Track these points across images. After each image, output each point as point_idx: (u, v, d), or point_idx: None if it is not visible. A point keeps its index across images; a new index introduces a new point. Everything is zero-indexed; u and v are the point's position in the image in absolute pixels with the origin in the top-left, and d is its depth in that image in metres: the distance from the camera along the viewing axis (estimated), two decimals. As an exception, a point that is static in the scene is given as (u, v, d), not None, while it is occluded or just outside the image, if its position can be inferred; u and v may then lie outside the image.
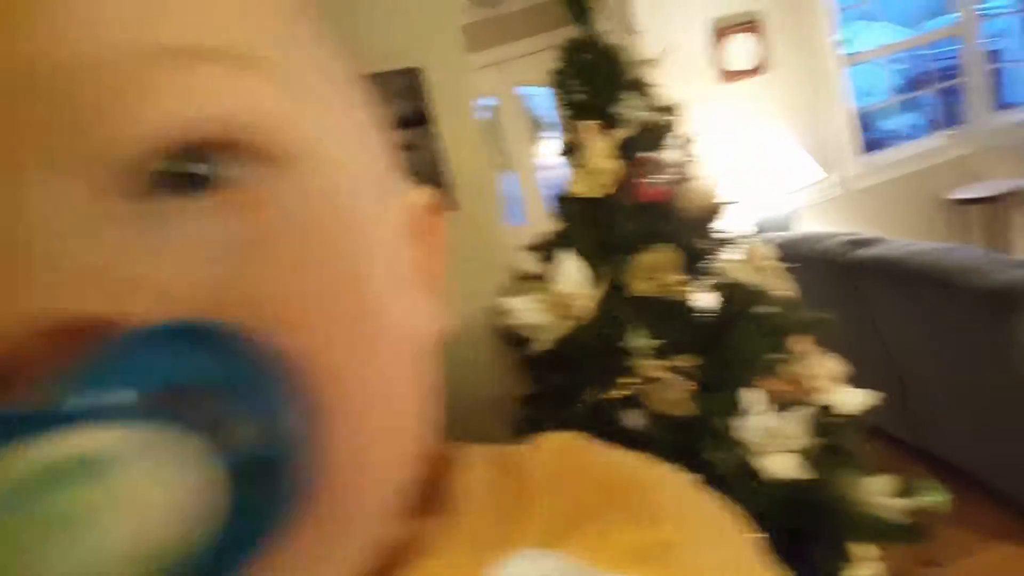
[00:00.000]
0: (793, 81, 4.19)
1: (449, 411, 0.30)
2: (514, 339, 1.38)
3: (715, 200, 1.57)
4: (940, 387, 2.76)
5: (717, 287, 1.42)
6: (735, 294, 1.39)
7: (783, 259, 3.28)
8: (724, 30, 4.00)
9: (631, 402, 1.36)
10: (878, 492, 1.32)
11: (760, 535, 0.39)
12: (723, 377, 1.35)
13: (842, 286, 2.95)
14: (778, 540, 1.37)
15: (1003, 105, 4.89)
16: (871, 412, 3.27)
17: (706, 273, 1.46)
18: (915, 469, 2.09)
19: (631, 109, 1.49)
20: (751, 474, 1.30)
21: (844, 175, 4.32)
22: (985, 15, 4.68)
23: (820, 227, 3.91)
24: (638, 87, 1.56)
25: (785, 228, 3.77)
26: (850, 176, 4.34)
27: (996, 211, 4.20)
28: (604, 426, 1.39)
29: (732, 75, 4.07)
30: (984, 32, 4.65)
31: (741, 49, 4.06)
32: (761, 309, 1.37)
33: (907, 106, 5.65)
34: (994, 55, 4.97)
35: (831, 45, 4.22)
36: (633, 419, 1.38)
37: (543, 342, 1.31)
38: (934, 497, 1.32)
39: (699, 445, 1.35)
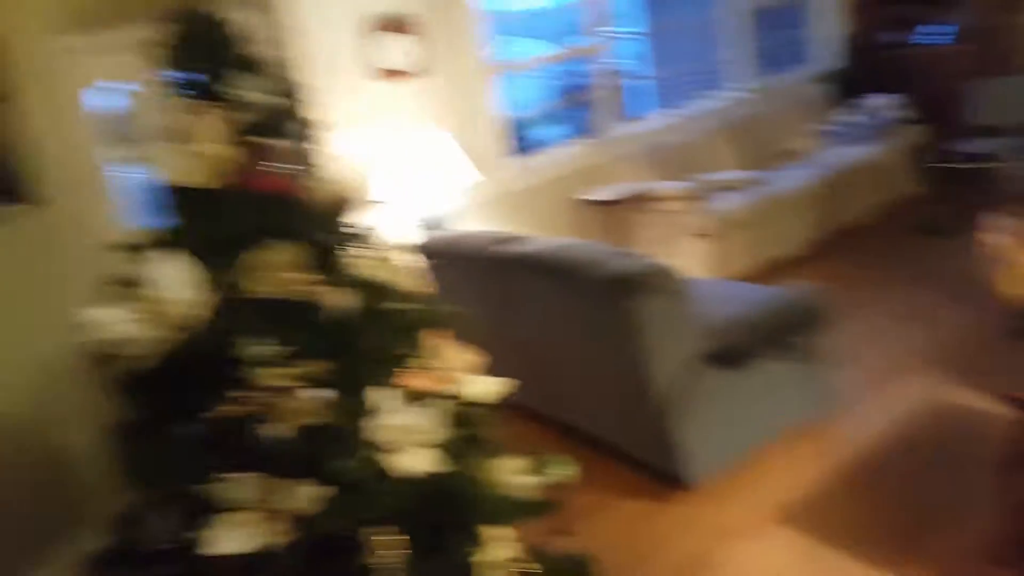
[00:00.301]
0: (450, 85, 4.34)
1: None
2: (107, 358, 1.18)
3: (348, 194, 1.50)
4: (573, 363, 3.04)
5: (348, 285, 1.35)
6: (367, 292, 1.33)
7: (439, 257, 3.41)
8: (380, 27, 4.00)
9: (258, 416, 1.25)
10: (510, 473, 1.35)
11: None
12: (356, 379, 1.29)
13: (492, 280, 3.13)
14: (419, 537, 1.35)
15: (631, 115, 5.60)
16: (515, 394, 3.51)
17: (337, 271, 1.39)
18: (553, 442, 2.26)
19: (249, 91, 1.36)
20: (387, 475, 1.25)
21: (498, 177, 4.58)
22: (615, 37, 5.29)
23: (478, 226, 4.09)
24: (259, 68, 1.43)
25: (444, 227, 3.88)
26: (503, 178, 4.62)
27: (616, 210, 4.74)
28: (231, 444, 1.26)
29: (389, 74, 4.09)
30: (615, 53, 5.25)
31: (397, 48, 4.10)
32: (394, 306, 1.33)
33: (558, 117, 6.13)
34: (622, 73, 5.64)
35: (481, 55, 4.44)
36: (262, 433, 1.26)
37: (141, 359, 1.13)
38: (563, 469, 1.39)
39: (331, 453, 1.28)
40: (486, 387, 1.40)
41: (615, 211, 4.81)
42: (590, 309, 2.73)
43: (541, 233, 3.45)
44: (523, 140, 5.16)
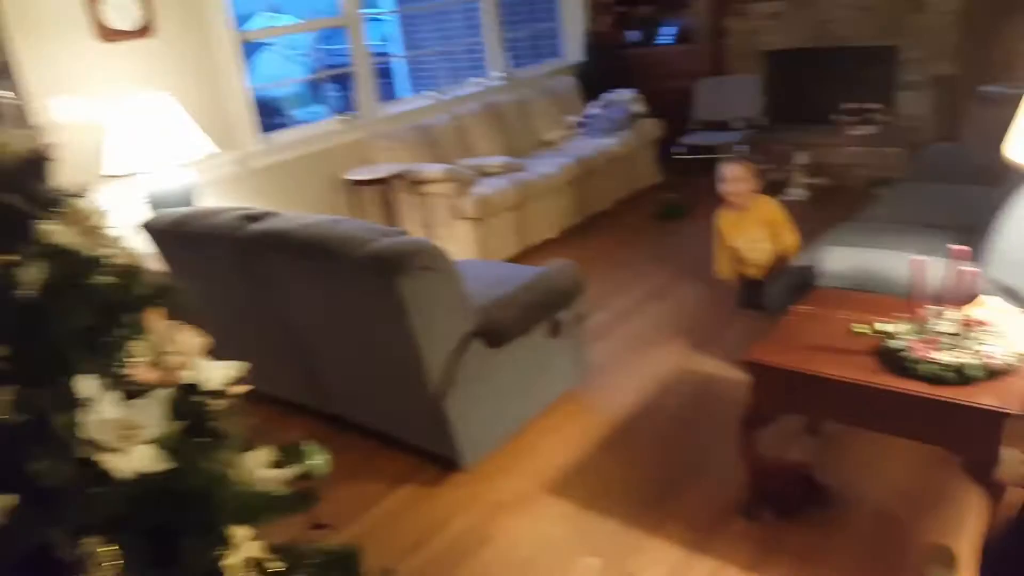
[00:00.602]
0: (184, 52, 3.92)
1: None
2: None
3: (40, 153, 1.22)
4: (339, 352, 2.85)
5: (37, 256, 1.09)
6: (59, 264, 1.08)
7: (172, 234, 3.04)
8: (98, -18, 3.50)
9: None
10: (257, 466, 1.18)
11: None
12: (50, 366, 1.04)
13: (239, 260, 2.83)
14: (148, 544, 1.13)
15: (392, 98, 5.49)
16: (276, 385, 3.29)
17: (24, 240, 1.12)
18: (321, 434, 2.10)
19: None
20: (98, 477, 1.02)
21: (244, 152, 4.25)
22: (370, 17, 5.14)
23: (222, 203, 3.74)
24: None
25: (185, 203, 3.49)
26: (250, 154, 4.29)
27: (385, 191, 4.63)
28: None
29: (112, 33, 3.59)
30: (373, 33, 5.11)
31: (121, 6, 3.61)
32: (94, 280, 1.09)
33: (317, 97, 5.86)
34: (380, 54, 5.50)
35: (221, 20, 4.07)
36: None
37: None
38: (318, 459, 1.24)
39: (27, 455, 1.02)
40: (216, 373, 1.20)
41: (381, 192, 4.67)
42: (353, 290, 2.55)
43: (301, 212, 3.20)
44: (280, 117, 4.87)
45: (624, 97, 5.86)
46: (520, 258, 4.71)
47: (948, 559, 2.01)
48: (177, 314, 1.17)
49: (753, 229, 3.52)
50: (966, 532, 2.19)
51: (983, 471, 1.92)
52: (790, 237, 3.47)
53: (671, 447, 2.81)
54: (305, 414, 3.20)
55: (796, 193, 5.39)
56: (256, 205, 3.07)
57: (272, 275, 2.80)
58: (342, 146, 4.80)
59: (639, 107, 5.86)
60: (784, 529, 2.33)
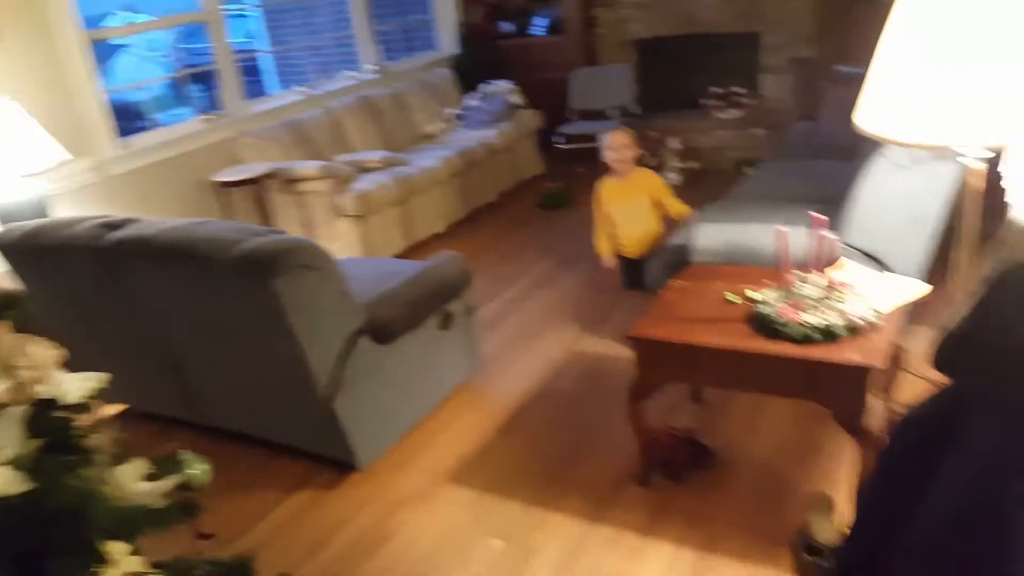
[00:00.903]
0: (28, 55, 3.65)
1: None
2: None
3: None
4: (218, 361, 2.73)
5: None
6: None
7: (31, 247, 2.83)
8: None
9: None
10: (130, 480, 1.11)
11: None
12: None
13: (101, 272, 2.66)
14: (11, 567, 1.05)
15: (262, 96, 5.30)
16: (151, 401, 3.13)
17: None
18: (207, 448, 2.01)
19: None
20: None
21: (101, 159, 4.00)
22: (233, 14, 4.92)
23: (80, 213, 3.51)
24: None
25: (40, 215, 3.25)
26: (108, 159, 4.05)
27: (258, 192, 4.47)
28: None
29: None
30: (237, 30, 4.90)
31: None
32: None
33: (178, 98, 5.60)
34: (246, 51, 5.30)
35: (71, 23, 3.81)
36: None
37: None
38: (195, 469, 1.18)
39: None
40: (78, 386, 1.12)
41: (253, 193, 4.50)
42: (227, 295, 2.43)
43: (166, 217, 3.04)
44: (143, 122, 4.60)
45: (501, 88, 5.90)
46: (407, 254, 4.67)
47: (827, 506, 2.14)
48: (27, 327, 1.09)
49: (634, 198, 3.53)
50: (842, 479, 2.34)
51: (853, 421, 2.05)
52: (678, 205, 3.51)
53: (566, 426, 2.86)
54: (187, 429, 3.06)
55: (670, 177, 5.58)
56: (118, 213, 2.89)
57: (138, 285, 2.64)
58: (208, 147, 4.59)
59: (517, 98, 5.91)
60: (675, 492, 2.42)
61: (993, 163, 2.16)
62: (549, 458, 2.69)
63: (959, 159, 1.83)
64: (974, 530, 1.27)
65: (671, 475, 2.48)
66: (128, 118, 4.62)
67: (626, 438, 2.53)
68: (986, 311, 1.22)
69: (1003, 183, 2.08)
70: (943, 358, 1.35)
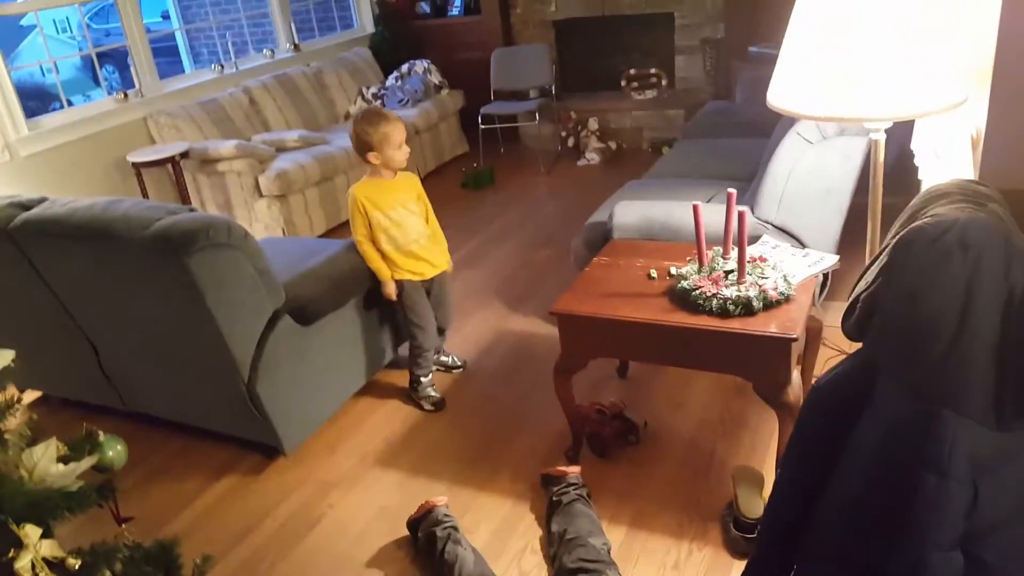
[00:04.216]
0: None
1: None
2: None
3: None
4: (137, 344, 2.63)
5: None
6: None
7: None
8: None
9: None
10: (44, 462, 1.06)
11: None
12: None
13: (11, 254, 2.52)
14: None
15: (174, 74, 5.10)
16: (70, 388, 3.00)
17: None
18: (132, 435, 1.92)
19: None
20: None
21: (8, 140, 3.80)
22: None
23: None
24: None
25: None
26: (17, 141, 3.85)
27: (174, 172, 4.31)
28: None
29: None
30: (153, 10, 4.67)
31: None
32: None
33: (93, 79, 5.30)
34: (152, 29, 5.05)
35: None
36: None
37: None
38: (111, 449, 1.14)
39: None
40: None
41: (171, 173, 4.34)
42: (142, 274, 2.34)
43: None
44: (57, 103, 4.38)
45: (420, 68, 5.84)
46: (331, 235, 4.59)
47: (754, 480, 2.20)
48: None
49: (405, 201, 2.79)
50: (769, 453, 2.42)
51: (773, 393, 2.12)
52: (433, 221, 2.92)
53: (494, 405, 2.88)
54: (109, 415, 2.95)
55: (590, 157, 5.65)
56: (29, 194, 2.75)
57: (52, 267, 2.52)
58: (123, 127, 4.41)
59: (436, 78, 5.86)
60: (605, 469, 2.46)
61: (901, 137, 2.28)
62: (478, 437, 2.70)
63: (865, 133, 1.92)
64: (885, 488, 1.34)
65: (599, 451, 2.53)
66: (41, 100, 4.38)
67: (554, 416, 2.56)
68: (890, 276, 1.28)
69: (915, 156, 2.20)
70: (852, 324, 1.41)
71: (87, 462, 1.09)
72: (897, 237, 1.29)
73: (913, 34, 1.61)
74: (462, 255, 4.21)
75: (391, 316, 3.05)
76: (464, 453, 2.62)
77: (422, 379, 2.94)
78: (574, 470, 2.38)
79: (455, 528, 2.20)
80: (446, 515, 2.25)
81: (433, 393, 2.92)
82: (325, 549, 2.29)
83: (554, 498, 2.29)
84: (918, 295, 1.22)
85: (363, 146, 2.70)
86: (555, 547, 2.14)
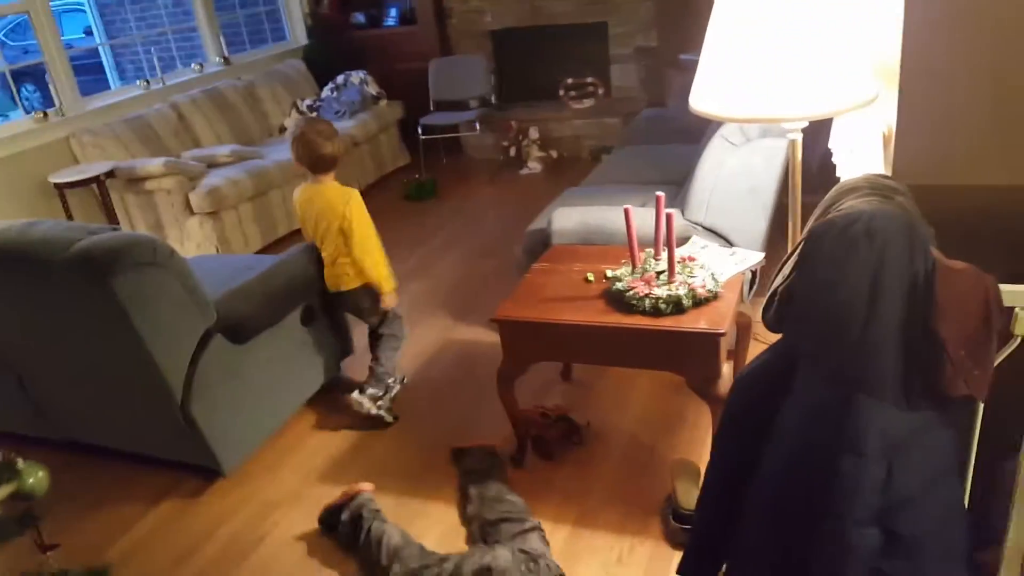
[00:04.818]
0: None
1: None
2: None
3: None
4: (65, 370, 2.55)
5: None
6: None
7: None
8: None
9: None
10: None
11: None
12: None
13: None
14: None
15: (100, 91, 4.97)
16: (3, 418, 2.89)
17: None
18: (55, 464, 1.86)
19: None
20: None
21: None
22: (66, 8, 4.58)
23: None
24: None
25: None
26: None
27: (100, 192, 4.20)
28: None
29: None
30: (75, 26, 4.55)
31: None
32: None
33: (12, 99, 5.14)
34: (72, 45, 4.93)
35: None
36: None
37: None
38: (32, 476, 1.11)
39: None
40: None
41: (96, 193, 4.23)
42: (64, 297, 2.27)
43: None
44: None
45: (356, 79, 5.81)
46: (267, 252, 4.52)
47: (691, 473, 2.25)
48: None
49: (333, 207, 2.74)
50: (705, 446, 2.48)
51: (705, 387, 2.18)
52: (360, 241, 2.74)
53: (440, 415, 2.87)
54: (40, 446, 2.84)
55: (532, 166, 5.70)
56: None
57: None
58: (43, 147, 4.27)
59: (374, 89, 5.84)
60: (551, 471, 2.49)
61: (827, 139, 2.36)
62: (423, 448, 2.69)
63: (785, 134, 1.99)
64: (806, 471, 1.39)
65: (544, 454, 2.55)
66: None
67: (500, 422, 2.57)
68: (804, 266, 1.34)
69: (833, 154, 2.28)
70: (771, 316, 1.47)
71: (5, 489, 1.06)
72: (809, 230, 1.35)
73: (821, 35, 1.68)
74: (406, 267, 4.19)
75: (332, 331, 3.02)
76: (411, 465, 2.61)
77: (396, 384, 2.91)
78: (488, 444, 2.52)
79: (379, 511, 2.26)
80: (371, 499, 2.31)
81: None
82: (269, 568, 2.25)
83: (468, 468, 2.44)
84: (830, 284, 1.28)
85: (325, 161, 2.72)
86: (475, 506, 2.28)
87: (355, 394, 2.81)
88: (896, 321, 1.25)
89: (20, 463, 1.13)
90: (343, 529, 2.26)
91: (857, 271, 1.25)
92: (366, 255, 2.75)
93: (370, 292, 2.84)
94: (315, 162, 2.73)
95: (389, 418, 2.83)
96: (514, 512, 2.21)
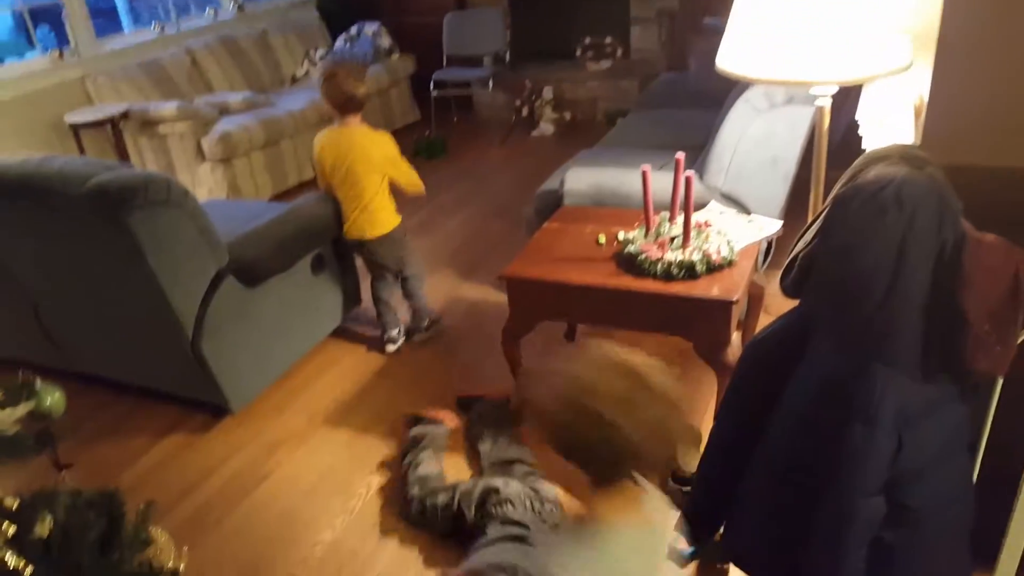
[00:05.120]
0: None
1: None
2: None
3: None
4: (79, 304, 2.56)
5: None
6: None
7: None
8: None
9: None
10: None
11: None
12: None
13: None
14: None
15: (114, 31, 4.92)
16: (10, 347, 2.91)
17: None
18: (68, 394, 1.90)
19: None
20: None
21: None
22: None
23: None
24: None
25: None
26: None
27: (114, 134, 4.18)
28: None
29: None
30: None
31: None
32: None
33: (29, 41, 5.06)
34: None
35: None
36: None
37: None
38: (49, 397, 1.11)
39: None
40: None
41: (110, 135, 4.20)
42: (80, 232, 2.27)
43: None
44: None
45: (370, 31, 5.72)
46: (277, 201, 4.50)
47: (692, 437, 2.26)
48: None
49: (367, 151, 2.80)
50: (707, 411, 2.48)
51: (715, 354, 2.18)
52: (407, 172, 2.91)
53: (444, 369, 2.89)
54: (53, 376, 2.85)
55: (544, 128, 5.64)
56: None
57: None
58: (59, 86, 4.24)
59: (387, 41, 5.75)
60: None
61: (849, 113, 2.32)
62: (427, 399, 2.70)
63: (812, 101, 1.96)
64: (816, 438, 1.39)
65: (543, 411, 2.55)
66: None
67: (503, 379, 2.58)
68: (828, 232, 1.32)
69: (858, 127, 2.25)
70: (789, 282, 1.46)
71: (23, 408, 1.07)
72: (836, 195, 1.33)
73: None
74: (413, 224, 4.16)
75: (341, 281, 3.02)
76: (415, 411, 2.63)
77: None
78: (502, 395, 2.55)
79: (432, 444, 2.32)
80: (440, 433, 2.36)
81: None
82: (271, 505, 2.28)
83: (481, 414, 2.49)
84: (854, 250, 1.27)
85: (355, 102, 2.76)
86: (487, 446, 2.34)
87: (402, 340, 3.02)
88: (920, 291, 1.24)
89: (38, 383, 1.13)
90: (404, 449, 2.33)
91: (883, 238, 1.24)
92: (415, 184, 2.92)
93: (393, 239, 2.88)
94: (345, 102, 2.73)
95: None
96: (527, 458, 2.25)
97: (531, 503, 2.02)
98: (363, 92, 2.75)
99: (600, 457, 1.16)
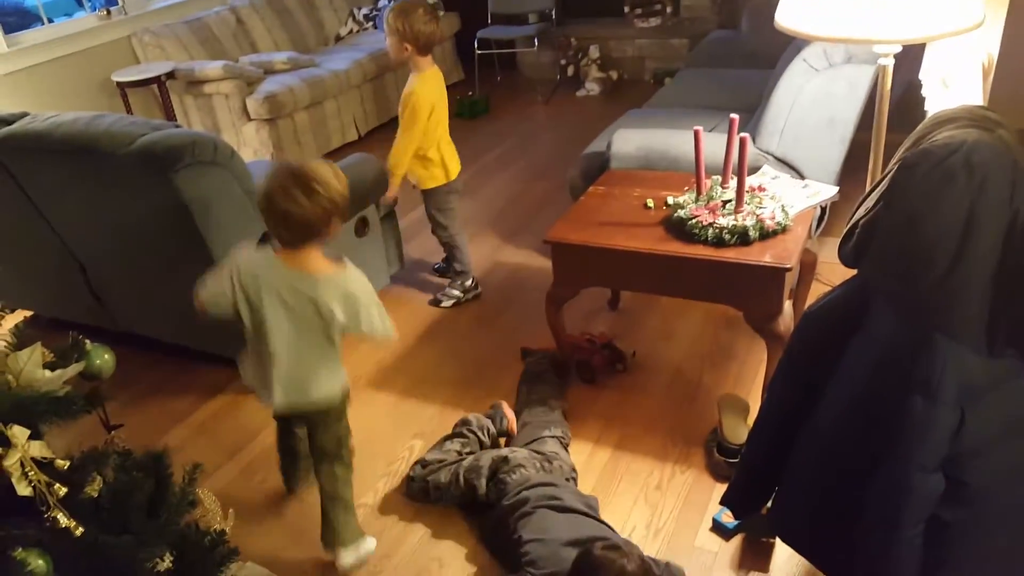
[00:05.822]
0: None
1: None
2: None
3: None
4: (126, 264, 2.60)
5: None
6: None
7: None
8: None
9: None
10: (28, 366, 1.05)
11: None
12: None
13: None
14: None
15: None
16: (59, 307, 2.99)
17: None
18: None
19: None
20: None
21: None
22: None
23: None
24: None
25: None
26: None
27: (162, 93, 4.21)
28: None
29: None
30: None
31: None
32: None
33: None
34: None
35: None
36: None
37: None
38: (99, 358, 1.13)
39: None
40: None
41: (156, 94, 4.24)
42: (128, 191, 2.29)
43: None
44: (33, 22, 4.23)
45: (416, -10, 5.63)
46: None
47: (740, 408, 2.22)
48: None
49: (442, 91, 2.83)
50: (755, 383, 2.44)
51: (766, 323, 2.12)
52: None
53: (486, 332, 2.88)
54: (100, 337, 2.92)
55: (590, 87, 5.53)
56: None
57: (35, 183, 2.47)
58: (106, 45, 4.28)
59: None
60: (593, 396, 2.48)
61: (908, 72, 2.22)
62: (469, 364, 2.71)
63: (874, 60, 1.87)
64: (874, 410, 1.35)
65: (587, 379, 2.54)
66: (21, 19, 4.24)
67: (545, 344, 2.56)
68: (892, 198, 1.26)
69: (922, 87, 2.14)
70: (849, 249, 1.40)
71: (73, 368, 1.08)
72: (900, 160, 1.26)
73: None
74: (462, 181, 4.14)
75: (386, 241, 3.02)
76: (455, 378, 2.63)
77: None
78: (552, 349, 2.57)
79: (478, 433, 2.27)
80: (479, 425, 2.29)
81: None
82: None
83: (529, 368, 2.52)
84: (919, 218, 1.20)
85: (434, 39, 2.71)
86: (520, 404, 2.38)
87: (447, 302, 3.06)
88: (988, 262, 1.18)
89: (88, 344, 1.15)
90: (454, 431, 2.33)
91: (951, 205, 1.17)
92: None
93: (445, 191, 2.98)
94: (426, 41, 2.67)
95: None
96: (539, 420, 2.26)
97: (540, 464, 2.06)
98: (441, 31, 2.71)
99: None
